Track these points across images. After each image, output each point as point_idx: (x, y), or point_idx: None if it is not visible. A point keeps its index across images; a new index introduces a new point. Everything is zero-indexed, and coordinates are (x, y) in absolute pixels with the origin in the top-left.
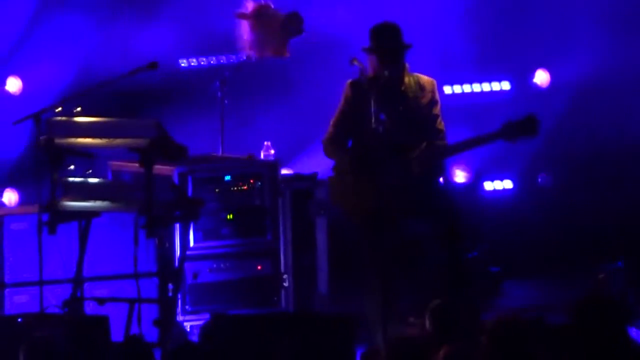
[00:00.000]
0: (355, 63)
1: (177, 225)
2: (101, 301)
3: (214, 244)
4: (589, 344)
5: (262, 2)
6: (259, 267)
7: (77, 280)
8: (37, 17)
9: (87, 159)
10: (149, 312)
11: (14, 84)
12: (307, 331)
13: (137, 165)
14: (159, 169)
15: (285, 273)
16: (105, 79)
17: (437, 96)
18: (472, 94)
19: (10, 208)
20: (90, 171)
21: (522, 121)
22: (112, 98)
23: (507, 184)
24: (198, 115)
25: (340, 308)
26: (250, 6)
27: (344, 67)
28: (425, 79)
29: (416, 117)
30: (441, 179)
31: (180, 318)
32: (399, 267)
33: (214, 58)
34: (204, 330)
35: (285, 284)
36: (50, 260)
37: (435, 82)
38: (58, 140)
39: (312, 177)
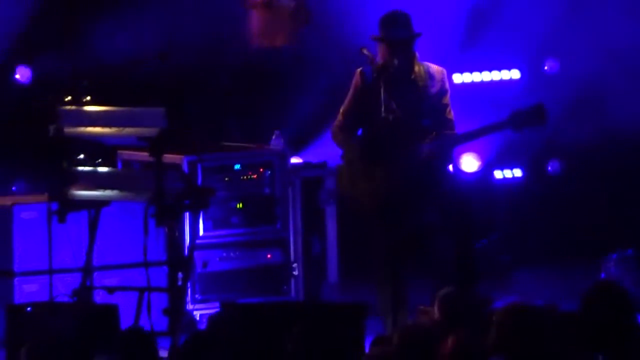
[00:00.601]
0: (365, 52)
1: (187, 214)
2: (111, 290)
3: (223, 232)
4: (599, 331)
5: None
6: (269, 256)
7: (87, 269)
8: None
9: (97, 148)
10: (159, 301)
11: (24, 73)
12: (316, 320)
13: (146, 154)
14: (169, 157)
15: (294, 262)
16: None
17: (447, 85)
18: (482, 82)
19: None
20: (100, 160)
21: (530, 110)
22: (122, 87)
23: (517, 173)
24: (208, 104)
25: (350, 297)
26: None
27: (355, 56)
28: (435, 67)
29: (426, 106)
30: (450, 168)
31: (190, 307)
32: (408, 255)
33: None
34: (212, 319)
35: (295, 273)
36: (59, 249)
37: (445, 71)
38: (68, 130)
39: (321, 166)
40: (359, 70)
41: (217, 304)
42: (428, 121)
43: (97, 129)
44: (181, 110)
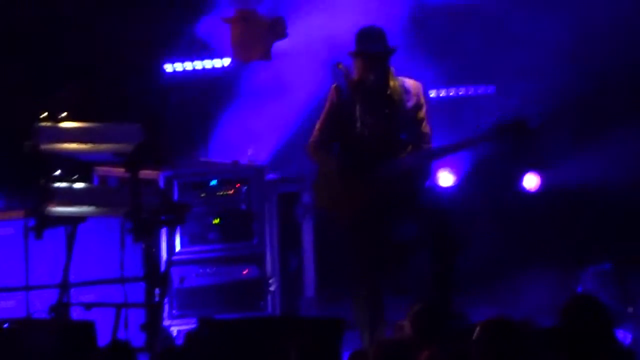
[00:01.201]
0: (340, 67)
1: (164, 230)
2: (88, 306)
3: (200, 248)
4: (576, 345)
5: (247, 6)
6: (245, 272)
7: (64, 286)
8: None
9: (73, 164)
10: (136, 317)
11: None
12: (293, 335)
13: (123, 170)
14: (145, 173)
15: (271, 277)
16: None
17: (423, 99)
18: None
19: None
20: (76, 176)
21: (510, 123)
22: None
23: (494, 187)
24: (184, 120)
25: (326, 311)
26: (234, 11)
27: (330, 71)
28: (410, 82)
29: (402, 121)
30: (427, 182)
31: (167, 322)
32: (386, 270)
33: (199, 63)
34: (190, 334)
35: (272, 288)
36: (36, 265)
37: (421, 85)
38: (44, 146)
39: (298, 181)
40: (334, 85)
41: (195, 320)
42: (404, 135)
43: (74, 145)
44: (157, 125)
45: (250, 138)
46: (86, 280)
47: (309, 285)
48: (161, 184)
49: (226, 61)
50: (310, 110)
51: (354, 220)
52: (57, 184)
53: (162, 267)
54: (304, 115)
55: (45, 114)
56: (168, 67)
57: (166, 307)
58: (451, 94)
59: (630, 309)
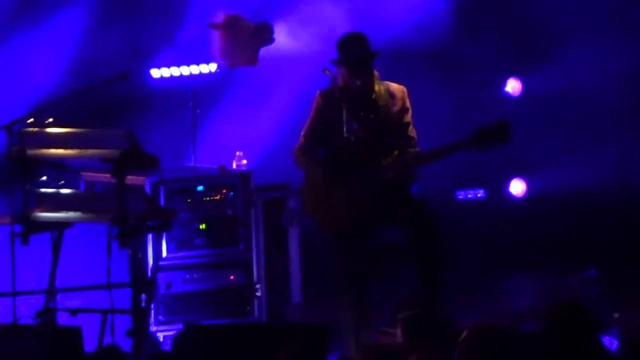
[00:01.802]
0: (327, 73)
1: (150, 236)
2: (74, 312)
3: (186, 254)
4: (562, 351)
5: (233, 12)
6: (232, 277)
7: (50, 291)
8: (10, 24)
9: (60, 170)
10: (122, 322)
11: None
12: (280, 341)
13: (109, 175)
14: (131, 179)
15: (257, 282)
16: (77, 90)
17: (408, 103)
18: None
19: None
20: (63, 182)
21: (493, 127)
22: (84, 109)
23: (479, 193)
24: (170, 126)
25: (313, 317)
26: (221, 16)
27: (315, 77)
28: (395, 86)
29: (388, 125)
30: (414, 187)
31: (153, 328)
32: (373, 275)
33: (185, 68)
34: (176, 340)
35: (258, 294)
36: (22, 271)
37: (406, 89)
38: (30, 151)
39: (284, 187)
40: (319, 91)
41: (181, 325)
42: (390, 140)
43: (60, 151)
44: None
45: (237, 144)
46: (72, 286)
47: (295, 291)
48: (147, 189)
49: (212, 66)
50: (296, 115)
51: (340, 226)
52: (44, 190)
53: (149, 272)
54: (290, 121)
55: (32, 119)
56: (154, 73)
57: (152, 312)
58: None
59: (616, 315)
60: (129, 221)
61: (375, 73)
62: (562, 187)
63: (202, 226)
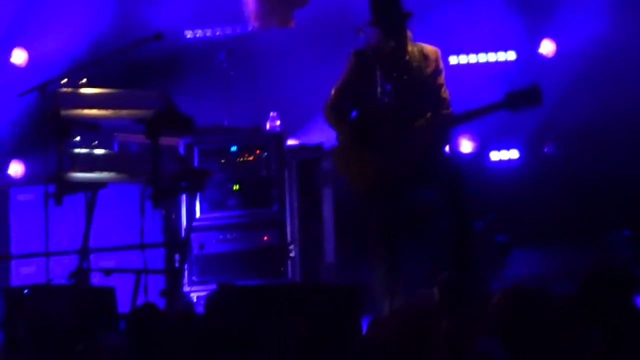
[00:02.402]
0: (361, 33)
1: (184, 196)
2: (108, 272)
3: (220, 214)
4: (596, 313)
5: None
6: (266, 238)
7: (84, 252)
8: None
9: (93, 130)
10: (156, 283)
11: (19, 56)
12: (313, 301)
13: (143, 136)
14: (165, 140)
15: (291, 243)
16: (111, 50)
17: (441, 65)
18: (478, 64)
19: (17, 179)
20: (96, 142)
21: (525, 90)
22: (118, 69)
23: (513, 154)
24: (204, 86)
25: (347, 278)
26: None
27: (350, 38)
28: (428, 48)
29: (421, 87)
30: (447, 148)
31: (186, 289)
32: (405, 236)
33: (219, 29)
34: (209, 300)
35: (292, 255)
36: (56, 231)
37: (439, 51)
38: (64, 112)
39: (317, 148)
40: (353, 51)
41: (214, 286)
42: (424, 101)
43: (94, 111)
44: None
45: (271, 104)
46: (106, 247)
47: (329, 252)
48: (181, 150)
49: (247, 26)
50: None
51: (373, 187)
52: (77, 150)
53: (182, 233)
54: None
55: (66, 79)
56: (188, 33)
57: (186, 273)
58: (471, 61)
59: None
60: (162, 182)
61: (409, 34)
62: (595, 147)
63: (236, 187)
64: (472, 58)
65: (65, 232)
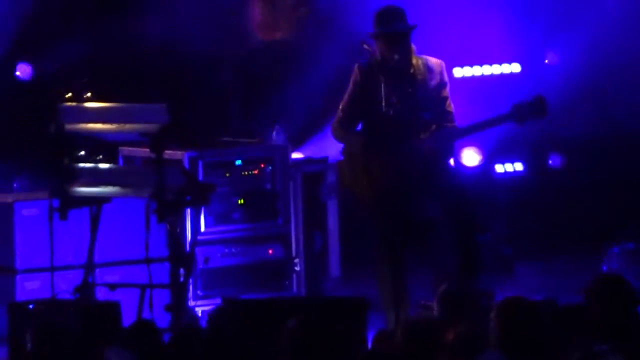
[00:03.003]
0: (365, 47)
1: (188, 210)
2: (112, 287)
3: (225, 228)
4: (600, 324)
5: None
6: (270, 251)
7: (89, 266)
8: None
9: (98, 145)
10: (161, 297)
11: (24, 70)
12: (318, 315)
13: (147, 150)
14: (170, 153)
15: (296, 257)
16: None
17: (446, 78)
18: (482, 76)
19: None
20: (101, 156)
21: (530, 102)
22: (122, 83)
23: (518, 166)
24: (208, 100)
25: (352, 291)
26: None
27: (355, 50)
28: (433, 60)
29: (425, 99)
30: (451, 161)
31: (192, 303)
32: (409, 249)
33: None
34: (211, 316)
35: (297, 268)
36: (61, 246)
37: (443, 63)
38: (69, 126)
39: (322, 161)
40: (357, 65)
41: (219, 300)
42: (428, 114)
43: (98, 126)
44: (182, 105)
45: (276, 117)
46: (111, 261)
47: (334, 265)
48: (186, 164)
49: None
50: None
51: (378, 200)
52: (82, 165)
53: (187, 247)
54: (329, 94)
55: (70, 94)
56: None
57: (191, 287)
58: (476, 73)
59: None
60: (167, 196)
61: (413, 47)
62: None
63: (241, 200)
64: (477, 70)
65: (70, 247)
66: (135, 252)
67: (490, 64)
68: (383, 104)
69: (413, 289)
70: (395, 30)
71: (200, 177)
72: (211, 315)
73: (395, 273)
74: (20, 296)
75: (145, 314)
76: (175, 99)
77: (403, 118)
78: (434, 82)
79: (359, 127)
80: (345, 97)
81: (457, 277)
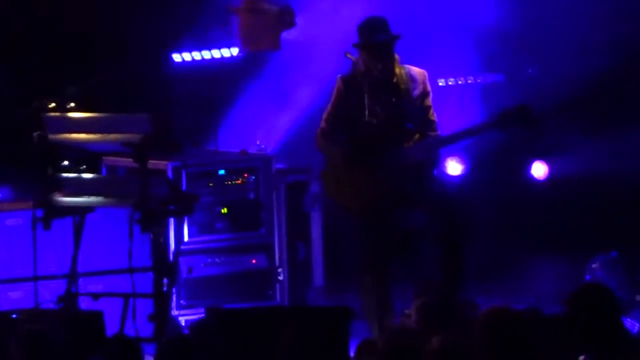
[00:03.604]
0: (349, 57)
1: (172, 220)
2: (96, 296)
3: (208, 238)
4: (584, 333)
5: None
6: (254, 261)
7: (72, 276)
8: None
9: (81, 154)
10: (144, 307)
11: None
12: (302, 325)
13: (131, 160)
14: (153, 163)
15: (280, 267)
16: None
17: (429, 87)
18: (466, 84)
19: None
20: (85, 166)
21: (514, 111)
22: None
23: (501, 176)
24: (192, 110)
25: (335, 301)
26: (243, 0)
27: (338, 61)
28: (416, 70)
29: (409, 109)
30: (435, 170)
31: (175, 312)
32: (393, 259)
33: (208, 52)
34: (194, 326)
35: (280, 278)
36: (44, 255)
37: (426, 73)
38: (52, 136)
39: (306, 170)
40: (340, 76)
41: (203, 310)
42: (411, 124)
43: (82, 136)
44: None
45: (259, 127)
46: (94, 271)
47: (317, 275)
48: (169, 174)
49: (234, 51)
50: (318, 99)
51: (362, 210)
52: (65, 174)
53: (171, 257)
54: (312, 105)
55: (54, 104)
56: (176, 57)
57: (174, 297)
58: (460, 82)
59: (638, 297)
60: (151, 205)
61: (396, 57)
62: (584, 169)
63: (224, 210)
64: (460, 80)
65: (54, 256)
66: (119, 262)
67: (474, 74)
68: (367, 113)
69: (397, 299)
70: (378, 41)
71: (184, 187)
72: (192, 325)
73: (379, 283)
74: (3, 306)
75: (129, 324)
76: (159, 109)
77: (386, 127)
78: (417, 92)
79: (343, 136)
80: (329, 108)
81: (440, 288)
